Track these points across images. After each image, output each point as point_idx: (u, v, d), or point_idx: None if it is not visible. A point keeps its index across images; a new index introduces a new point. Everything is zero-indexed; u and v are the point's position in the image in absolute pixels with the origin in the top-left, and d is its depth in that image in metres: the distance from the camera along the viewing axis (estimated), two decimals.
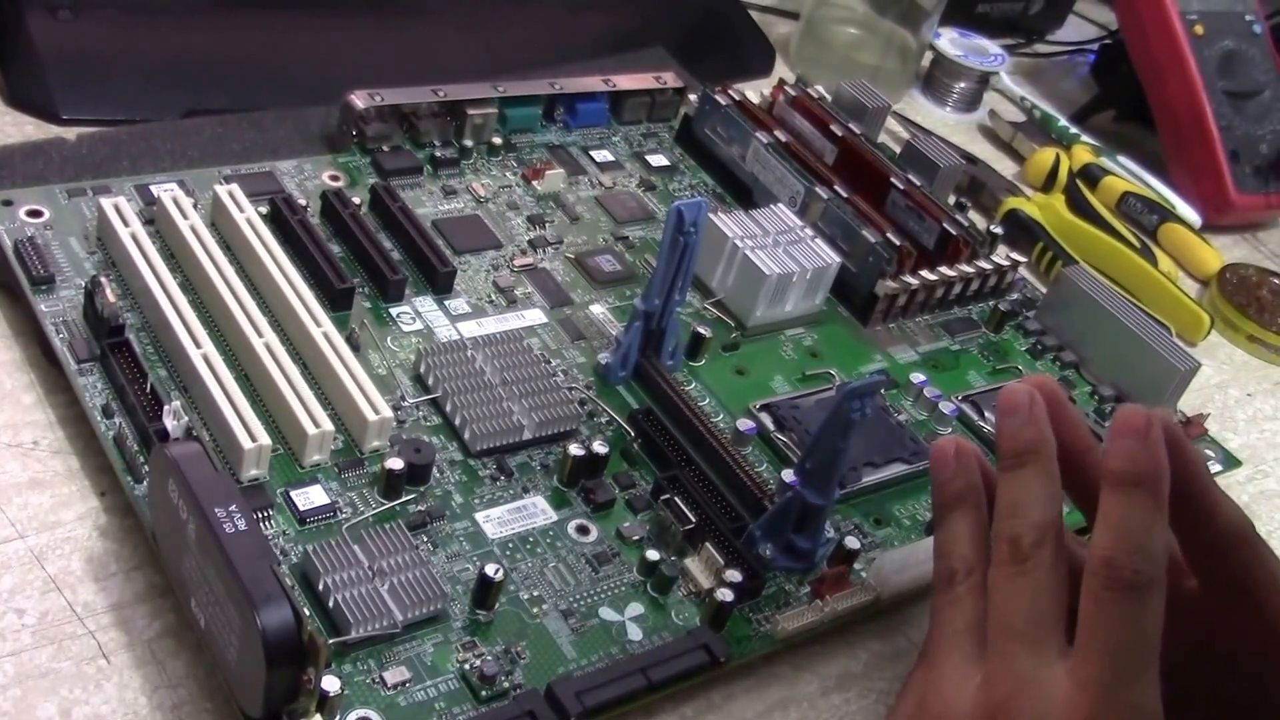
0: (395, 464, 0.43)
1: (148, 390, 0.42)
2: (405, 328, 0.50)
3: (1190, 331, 0.68)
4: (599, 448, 0.46)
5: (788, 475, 0.45)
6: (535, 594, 0.42)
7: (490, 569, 0.40)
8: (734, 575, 0.43)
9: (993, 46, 0.85)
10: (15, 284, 0.46)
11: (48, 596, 0.39)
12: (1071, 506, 0.42)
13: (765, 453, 0.50)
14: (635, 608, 0.43)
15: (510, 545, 0.43)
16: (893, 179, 0.61)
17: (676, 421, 0.49)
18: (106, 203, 0.48)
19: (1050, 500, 0.38)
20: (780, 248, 0.56)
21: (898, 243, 0.58)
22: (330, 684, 0.35)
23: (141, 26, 0.62)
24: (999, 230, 0.63)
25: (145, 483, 0.40)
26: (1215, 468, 0.58)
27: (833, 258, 0.56)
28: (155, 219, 0.50)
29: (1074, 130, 0.82)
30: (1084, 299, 0.60)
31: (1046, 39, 0.96)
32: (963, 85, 0.83)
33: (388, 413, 0.44)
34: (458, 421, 0.46)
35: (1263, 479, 0.61)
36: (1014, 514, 0.38)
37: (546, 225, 0.58)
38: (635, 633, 0.42)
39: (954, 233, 0.59)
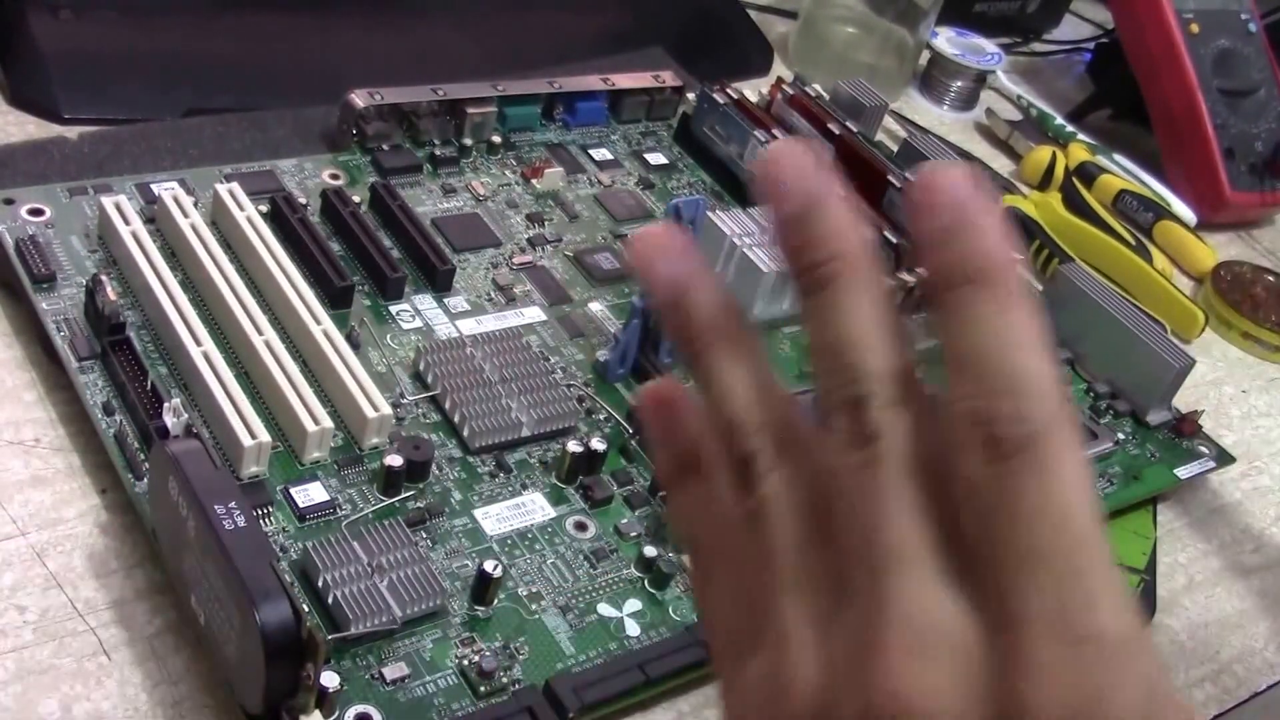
0: (394, 461, 0.43)
1: (148, 388, 0.43)
2: (405, 325, 0.50)
3: (1185, 329, 0.68)
4: (597, 444, 0.46)
5: None
6: (534, 590, 0.42)
7: (489, 565, 0.41)
8: None
9: (989, 45, 0.85)
10: (17, 282, 0.46)
11: (49, 593, 0.39)
12: None
13: None
14: (633, 603, 0.43)
15: (509, 541, 0.44)
16: (890, 177, 0.61)
17: None
18: (108, 201, 0.48)
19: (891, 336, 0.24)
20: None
21: (895, 240, 0.58)
22: (329, 680, 0.36)
23: (143, 26, 0.62)
24: None
25: (146, 480, 0.41)
26: (1209, 464, 0.58)
27: None
28: (156, 217, 0.50)
29: (1070, 129, 0.82)
30: (1080, 296, 0.60)
31: (1043, 38, 0.96)
32: (960, 84, 0.84)
33: (387, 410, 0.44)
34: (457, 419, 0.46)
35: (1257, 475, 0.61)
36: (844, 359, 0.24)
37: (545, 223, 0.58)
38: (633, 628, 0.42)
39: None
